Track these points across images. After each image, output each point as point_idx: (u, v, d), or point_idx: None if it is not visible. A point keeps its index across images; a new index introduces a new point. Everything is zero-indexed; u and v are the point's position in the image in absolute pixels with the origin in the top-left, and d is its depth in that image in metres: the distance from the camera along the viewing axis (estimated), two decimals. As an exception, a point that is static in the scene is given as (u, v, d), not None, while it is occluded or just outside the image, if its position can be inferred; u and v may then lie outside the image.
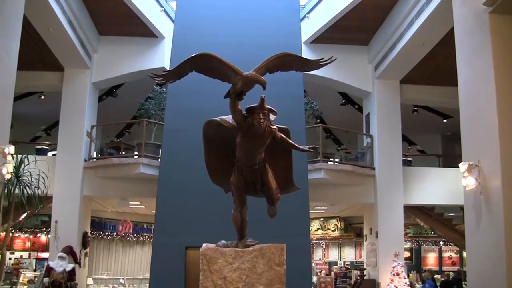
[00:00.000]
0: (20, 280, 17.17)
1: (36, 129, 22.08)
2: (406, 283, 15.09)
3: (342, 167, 16.11)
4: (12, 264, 20.43)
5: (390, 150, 16.38)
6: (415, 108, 19.14)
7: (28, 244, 22.03)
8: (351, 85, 17.23)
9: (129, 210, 20.81)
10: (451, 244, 22.02)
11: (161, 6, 16.51)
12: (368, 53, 17.07)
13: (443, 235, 19.22)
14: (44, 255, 20.62)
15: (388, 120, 16.58)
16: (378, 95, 16.69)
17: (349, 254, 22.98)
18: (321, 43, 16.46)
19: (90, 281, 18.37)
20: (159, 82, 6.12)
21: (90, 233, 17.84)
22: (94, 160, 16.16)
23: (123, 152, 16.58)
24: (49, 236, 16.66)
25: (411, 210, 17.55)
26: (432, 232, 21.43)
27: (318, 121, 18.26)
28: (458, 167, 9.69)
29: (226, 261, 5.90)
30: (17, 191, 11.06)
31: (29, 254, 21.87)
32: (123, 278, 20.75)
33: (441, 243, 22.97)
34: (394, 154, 16.42)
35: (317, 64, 6.13)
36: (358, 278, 17.90)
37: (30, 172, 11.62)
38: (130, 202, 18.25)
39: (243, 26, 15.26)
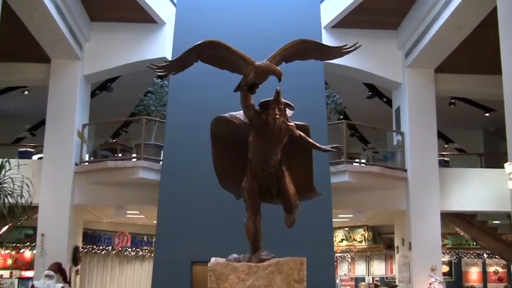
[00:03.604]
0: (0, 304, 17.28)
1: (19, 129, 22.21)
2: (444, 301, 15.06)
3: (369, 169, 16.10)
4: (-10, 286, 20.55)
5: (424, 149, 16.32)
6: (453, 101, 19.08)
7: (9, 261, 21.98)
8: (378, 75, 17.19)
9: (127, 221, 20.89)
10: (496, 257, 21.89)
11: (162, -13, 16.59)
12: (398, 38, 17.03)
13: (487, 246, 19.13)
14: (29, 273, 20.64)
15: (422, 115, 16.53)
16: (410, 86, 16.65)
17: (378, 268, 22.93)
18: (343, 27, 16.43)
19: (82, 302, 18.50)
20: (160, 74, 6.19)
21: (82, 247, 17.91)
22: (87, 163, 16.22)
23: (120, 155, 16.63)
24: (34, 251, 16.70)
25: (450, 218, 17.48)
26: (474, 243, 21.33)
27: (342, 116, 18.23)
28: (503, 167, 9.65)
29: (238, 278, 5.92)
30: (-3, 200, 11.11)
31: (11, 273, 21.82)
32: (120, 298, 20.88)
33: (485, 255, 22.83)
34: (428, 153, 16.35)
35: (339, 51, 6.15)
36: (389, 296, 17.89)
37: (12, 179, 11.64)
38: (128, 211, 18.31)
39: (255, 9, 15.30)
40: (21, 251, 21.46)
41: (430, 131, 16.58)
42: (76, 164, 15.86)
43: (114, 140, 21.12)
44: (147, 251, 22.60)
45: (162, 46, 16.63)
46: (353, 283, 23.21)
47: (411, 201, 16.09)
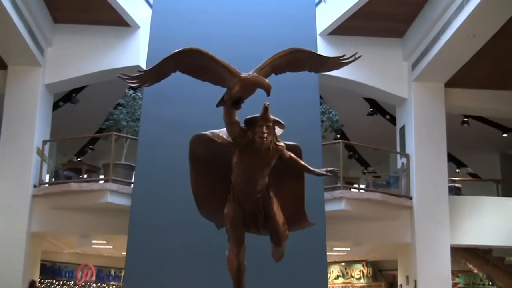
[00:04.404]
0: None
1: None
2: None
3: (370, 196, 16.10)
4: None
5: (432, 173, 16.37)
6: (465, 119, 19.19)
7: (-46, 299, 21.96)
8: (381, 89, 17.25)
9: (92, 252, 20.79)
10: (515, 298, 22.01)
11: (136, -14, 16.65)
12: (404, 47, 17.14)
13: (505, 286, 19.16)
14: (-23, 313, 20.59)
15: (430, 135, 16.60)
16: (416, 102, 16.72)
17: (379, 310, 22.97)
18: (342, 34, 16.55)
19: None
20: (132, 85, 6.18)
21: (39, 281, 17.81)
22: (47, 186, 16.18)
23: (85, 176, 16.60)
24: (-16, 286, 16.65)
25: (461, 253, 17.53)
26: (490, 283, 21.37)
27: (338, 135, 18.32)
28: (522, 196, 9.74)
29: (218, 318, 5.93)
30: None
31: (-45, 313, 21.78)
32: None
33: (502, 296, 22.94)
34: (437, 179, 16.40)
35: (337, 62, 6.17)
36: None
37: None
38: (93, 241, 18.23)
39: (242, 13, 15.33)
40: (-32, 286, 21.30)
41: (439, 154, 16.62)
42: (35, 186, 15.78)
43: (79, 159, 21.10)
44: (114, 286, 22.51)
45: (136, 52, 16.64)
46: (350, 326, 23.23)
47: (417, 233, 16.08)
